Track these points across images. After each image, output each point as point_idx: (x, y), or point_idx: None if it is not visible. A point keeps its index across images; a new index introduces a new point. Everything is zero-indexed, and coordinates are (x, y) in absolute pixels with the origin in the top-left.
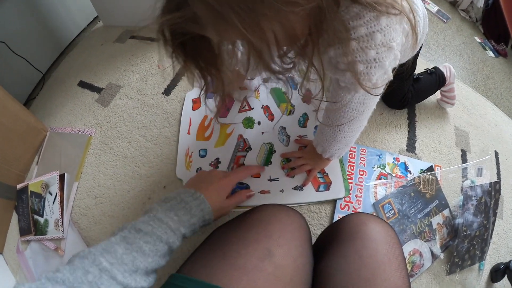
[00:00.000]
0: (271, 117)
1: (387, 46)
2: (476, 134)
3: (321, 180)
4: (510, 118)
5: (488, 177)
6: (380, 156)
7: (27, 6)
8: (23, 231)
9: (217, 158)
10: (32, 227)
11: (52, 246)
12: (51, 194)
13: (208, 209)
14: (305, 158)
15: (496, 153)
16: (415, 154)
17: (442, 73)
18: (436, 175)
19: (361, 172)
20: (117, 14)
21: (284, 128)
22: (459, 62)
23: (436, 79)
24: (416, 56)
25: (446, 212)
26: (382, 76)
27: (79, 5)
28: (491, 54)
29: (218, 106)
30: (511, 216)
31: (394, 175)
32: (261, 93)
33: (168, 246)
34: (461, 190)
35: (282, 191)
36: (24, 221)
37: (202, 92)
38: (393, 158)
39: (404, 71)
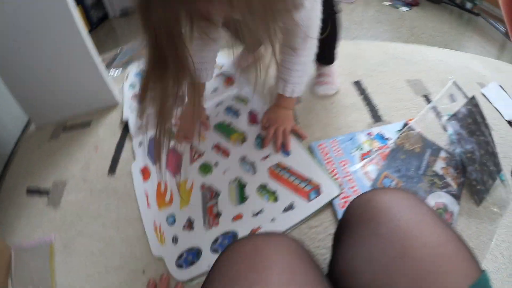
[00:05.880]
0: (225, 153)
1: None
2: (426, 77)
3: (307, 188)
4: (449, 49)
5: (461, 98)
6: (352, 139)
7: None
8: None
9: (189, 218)
10: None
11: None
12: None
13: None
14: (272, 125)
15: (455, 82)
16: (383, 121)
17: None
18: (414, 127)
19: (343, 163)
20: (48, 111)
21: (244, 158)
22: (380, 27)
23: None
24: None
25: (442, 153)
26: None
27: (12, 114)
28: (404, 9)
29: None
30: (497, 123)
31: (375, 149)
32: (207, 133)
33: None
34: (443, 127)
35: (273, 220)
36: None
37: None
38: (366, 135)
39: None
